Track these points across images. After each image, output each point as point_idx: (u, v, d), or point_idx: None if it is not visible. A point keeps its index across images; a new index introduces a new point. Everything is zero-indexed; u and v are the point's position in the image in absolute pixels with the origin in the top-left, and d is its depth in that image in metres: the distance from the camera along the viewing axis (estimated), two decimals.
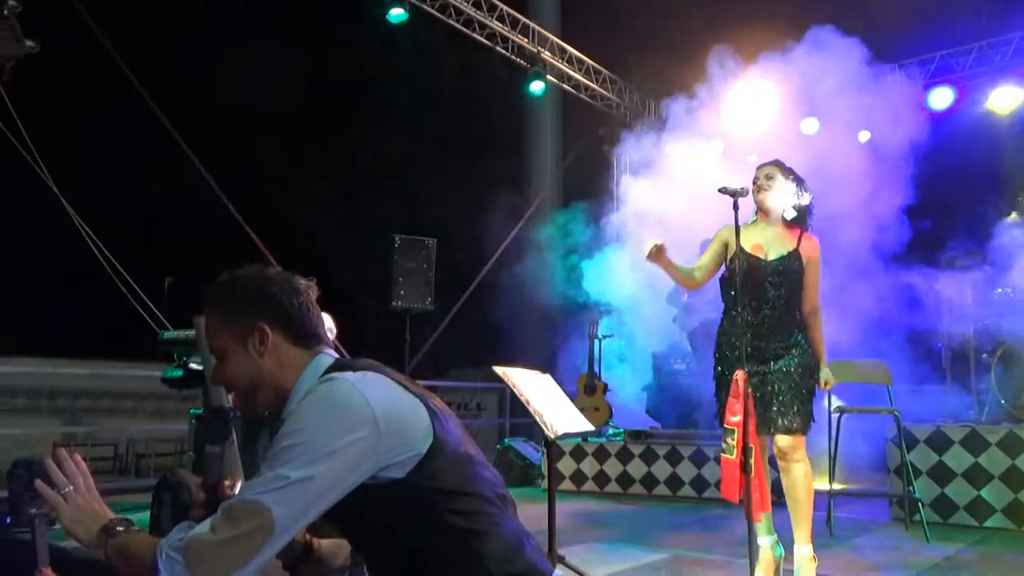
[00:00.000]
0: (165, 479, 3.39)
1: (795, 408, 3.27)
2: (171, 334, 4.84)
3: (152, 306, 5.97)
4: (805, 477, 3.31)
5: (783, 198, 3.46)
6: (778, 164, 3.51)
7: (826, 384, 3.42)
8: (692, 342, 7.22)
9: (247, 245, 8.07)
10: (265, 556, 1.24)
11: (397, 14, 7.64)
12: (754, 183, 3.49)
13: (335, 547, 1.55)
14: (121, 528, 1.34)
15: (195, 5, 8.64)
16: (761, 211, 3.53)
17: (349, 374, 1.36)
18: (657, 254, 3.31)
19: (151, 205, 9.36)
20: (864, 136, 8.16)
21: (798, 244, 3.41)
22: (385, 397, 1.36)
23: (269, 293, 1.48)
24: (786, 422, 3.27)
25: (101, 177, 8.32)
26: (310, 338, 1.49)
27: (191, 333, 4.68)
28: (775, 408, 3.29)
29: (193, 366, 4.83)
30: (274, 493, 1.23)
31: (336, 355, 1.52)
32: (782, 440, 3.30)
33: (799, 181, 3.49)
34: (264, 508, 1.22)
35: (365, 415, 1.30)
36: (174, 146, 6.53)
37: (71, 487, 1.38)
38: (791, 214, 3.46)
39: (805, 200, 3.47)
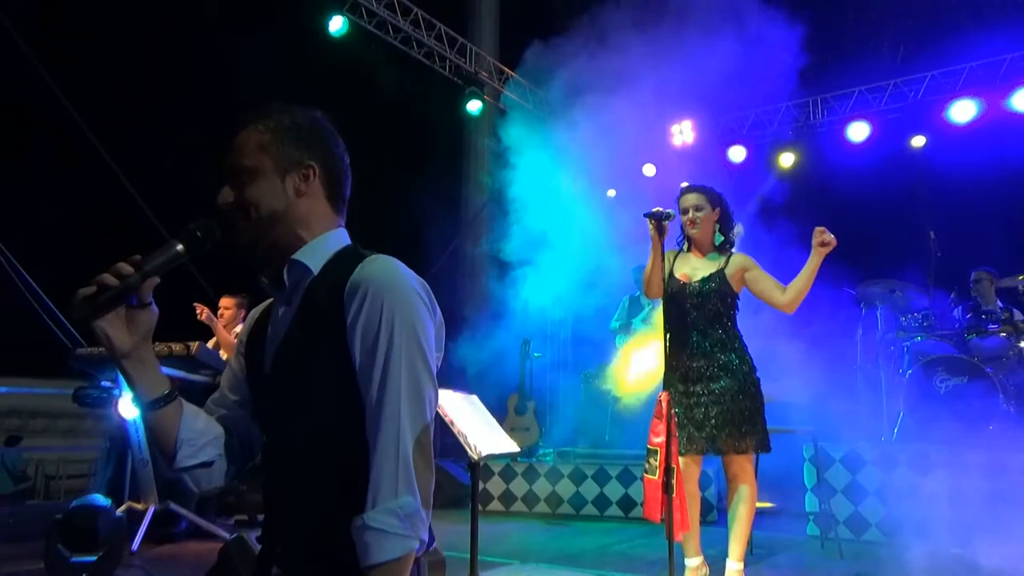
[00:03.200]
0: (69, 511, 3.23)
1: (729, 431, 3.31)
2: (86, 350, 4.66)
3: (64, 319, 5.69)
4: (750, 497, 3.38)
5: (711, 227, 3.55)
6: (703, 192, 3.54)
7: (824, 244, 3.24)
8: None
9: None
10: None
11: (338, 28, 7.58)
12: (684, 213, 3.52)
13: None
14: None
15: (123, 14, 8.37)
16: (692, 242, 3.59)
17: (405, 267, 1.34)
18: (661, 229, 3.18)
19: (65, 211, 8.95)
20: (786, 162, 8.52)
21: (725, 264, 3.48)
22: None
23: (325, 138, 1.41)
24: (731, 444, 3.30)
25: (8, 179, 7.93)
26: (341, 201, 1.44)
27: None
28: (708, 430, 3.33)
29: (107, 384, 4.64)
30: (421, 429, 1.25)
31: None
32: (729, 461, 3.36)
33: (722, 203, 3.56)
34: (430, 466, 1.26)
35: (434, 308, 1.35)
36: (92, 151, 6.28)
37: None
38: (719, 239, 3.56)
39: (728, 222, 3.57)
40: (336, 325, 1.27)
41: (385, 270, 1.29)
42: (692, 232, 3.52)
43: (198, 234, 1.33)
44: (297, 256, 1.36)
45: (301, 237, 1.37)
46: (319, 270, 1.35)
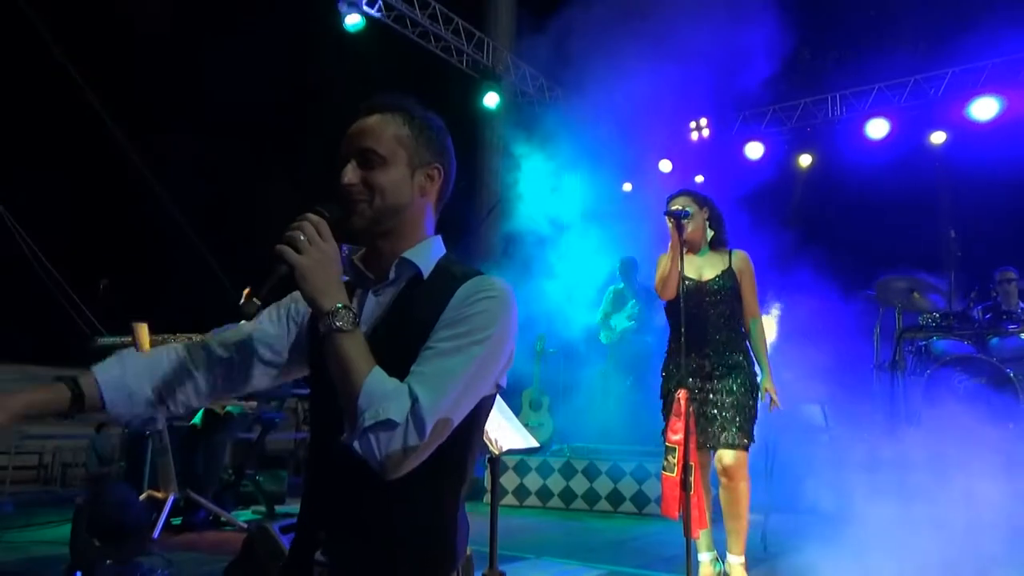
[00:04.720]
0: (94, 498, 3.27)
1: (738, 425, 3.37)
2: (107, 339, 4.69)
3: (85, 308, 5.75)
4: (746, 493, 3.42)
5: (701, 224, 3.58)
6: (688, 194, 3.61)
7: (767, 393, 3.49)
8: (611, 352, 7.32)
9: (190, 248, 7.86)
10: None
11: (354, 23, 7.59)
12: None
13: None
14: (346, 321, 1.22)
15: (147, 9, 8.42)
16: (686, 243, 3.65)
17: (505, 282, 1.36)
18: (681, 228, 3.32)
19: (87, 201, 9.03)
20: (805, 161, 8.46)
21: (730, 262, 3.55)
22: None
23: (449, 143, 1.46)
24: (731, 439, 3.36)
25: (33, 170, 8.01)
26: (442, 206, 1.48)
27: (128, 339, 4.53)
28: (718, 425, 3.39)
29: None
30: (460, 406, 1.24)
31: None
32: (727, 456, 3.39)
33: (708, 203, 3.61)
34: (450, 421, 1.23)
35: (514, 331, 1.33)
36: (112, 142, 6.33)
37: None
38: (709, 234, 3.60)
39: (717, 220, 3.60)
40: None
41: (499, 285, 1.33)
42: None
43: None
44: (409, 255, 1.38)
45: (415, 233, 1.41)
46: (428, 274, 1.38)
